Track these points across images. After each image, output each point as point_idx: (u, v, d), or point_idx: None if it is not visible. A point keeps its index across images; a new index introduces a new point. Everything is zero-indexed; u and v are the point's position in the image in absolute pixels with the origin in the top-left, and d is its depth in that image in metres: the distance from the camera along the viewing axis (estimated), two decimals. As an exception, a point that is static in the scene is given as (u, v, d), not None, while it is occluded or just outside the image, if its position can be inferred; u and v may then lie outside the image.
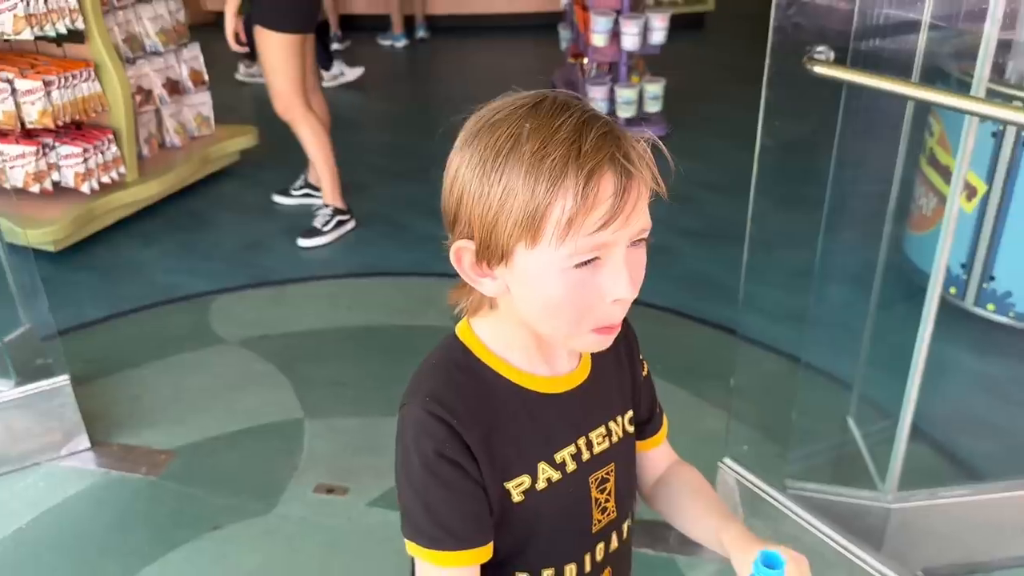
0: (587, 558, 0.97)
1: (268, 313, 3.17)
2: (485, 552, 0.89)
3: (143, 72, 3.88)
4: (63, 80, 3.41)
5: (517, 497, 0.90)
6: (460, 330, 0.94)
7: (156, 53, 3.94)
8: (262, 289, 3.32)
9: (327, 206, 3.65)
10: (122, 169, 3.70)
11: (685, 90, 5.02)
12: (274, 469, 2.41)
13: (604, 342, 0.86)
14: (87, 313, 3.16)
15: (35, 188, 3.51)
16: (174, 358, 2.91)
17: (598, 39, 4.33)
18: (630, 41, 4.31)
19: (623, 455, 0.99)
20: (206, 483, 2.36)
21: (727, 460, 2.10)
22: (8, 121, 3.43)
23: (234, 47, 3.53)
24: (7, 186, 3.52)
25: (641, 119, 4.59)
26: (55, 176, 3.56)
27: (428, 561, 0.88)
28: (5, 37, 3.34)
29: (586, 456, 0.95)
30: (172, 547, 2.14)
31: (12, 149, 3.48)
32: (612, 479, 0.97)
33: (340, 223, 3.65)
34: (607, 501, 0.97)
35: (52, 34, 3.37)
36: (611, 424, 0.98)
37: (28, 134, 3.52)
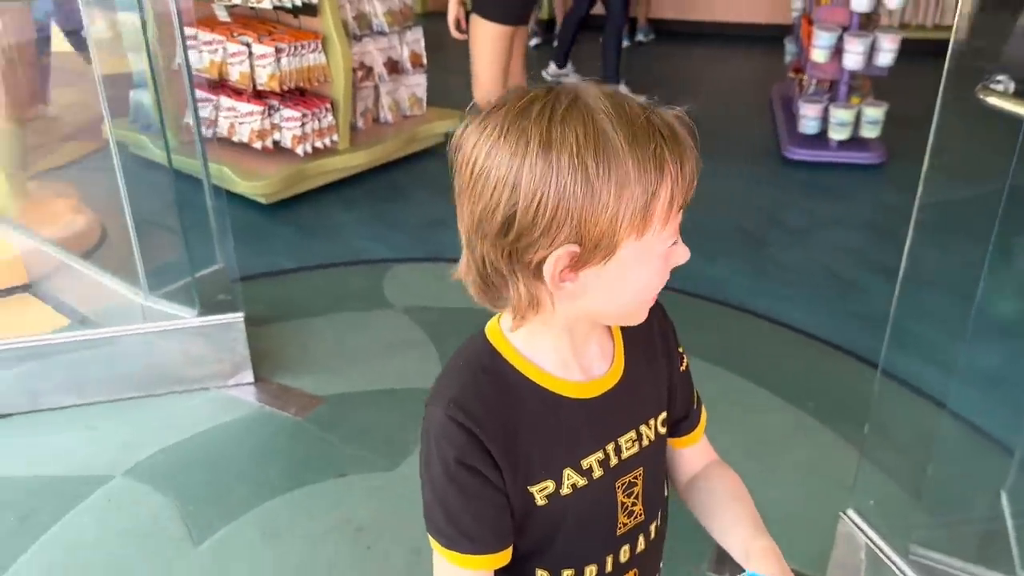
0: (609, 559, 0.97)
1: (434, 287, 3.30)
2: (501, 557, 0.91)
3: (367, 49, 4.15)
4: (293, 49, 3.73)
5: (541, 501, 0.90)
6: (490, 331, 0.93)
7: (381, 33, 4.20)
8: (435, 264, 3.47)
9: None
10: (335, 137, 3.99)
11: (912, 118, 4.65)
12: (406, 431, 2.52)
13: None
14: (280, 262, 3.44)
15: (257, 144, 3.87)
16: (344, 315, 3.11)
17: (818, 55, 4.11)
18: (853, 60, 4.06)
19: (652, 458, 0.98)
20: (343, 433, 2.51)
21: (850, 512, 1.95)
22: (243, 81, 3.80)
23: (455, 34, 3.70)
24: (235, 140, 3.91)
25: (855, 143, 4.32)
26: (276, 136, 3.90)
27: (444, 558, 0.90)
28: (250, 5, 3.70)
29: (614, 462, 0.93)
30: (299, 485, 2.30)
31: (243, 107, 3.86)
32: (640, 483, 0.96)
33: None
34: (634, 504, 0.96)
35: (289, 5, 3.69)
36: (642, 428, 0.96)
37: (259, 95, 3.88)
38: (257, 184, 3.76)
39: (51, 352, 2.65)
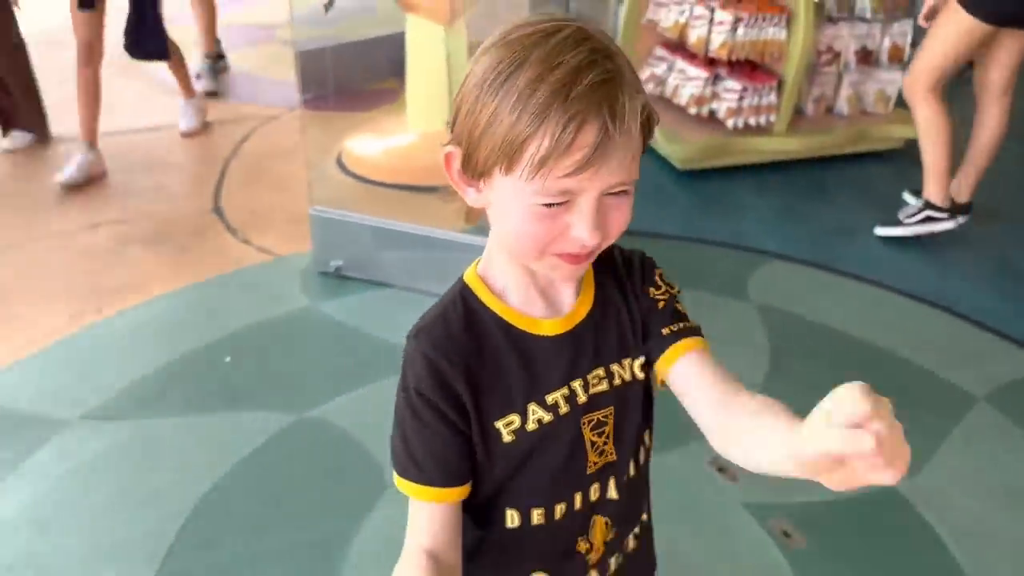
0: (578, 497, 0.96)
1: (806, 295, 3.05)
2: (448, 494, 0.91)
3: (840, 34, 3.87)
4: (753, 20, 3.64)
5: (507, 437, 0.91)
6: (468, 270, 0.95)
7: (863, 19, 3.87)
8: (819, 272, 3.20)
9: (921, 197, 3.32)
10: (772, 117, 3.83)
11: None
12: (693, 426, 2.44)
13: (571, 270, 0.87)
14: (664, 226, 3.45)
15: (693, 110, 3.88)
16: (694, 292, 2.99)
17: None
18: None
19: (625, 400, 0.96)
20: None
21: None
22: (698, 45, 3.82)
23: (922, 23, 3.32)
24: (675, 101, 3.97)
25: None
26: (713, 105, 3.87)
27: (399, 485, 0.93)
28: (723, -30, 3.67)
29: (581, 399, 0.93)
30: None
31: (692, 71, 3.88)
32: (611, 422, 0.95)
33: (928, 219, 3.27)
34: (605, 444, 0.95)
35: (762, -25, 3.58)
36: (614, 367, 0.95)
37: (710, 62, 3.87)
38: (677, 148, 3.79)
39: (437, 245, 3.04)
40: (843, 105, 4.03)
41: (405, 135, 3.96)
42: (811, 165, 3.94)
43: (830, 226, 3.53)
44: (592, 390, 0.94)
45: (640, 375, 0.97)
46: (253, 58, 5.19)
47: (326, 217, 3.10)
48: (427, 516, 0.90)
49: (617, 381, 0.95)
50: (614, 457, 0.96)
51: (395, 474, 0.92)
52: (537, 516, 0.95)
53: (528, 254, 0.86)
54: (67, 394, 2.53)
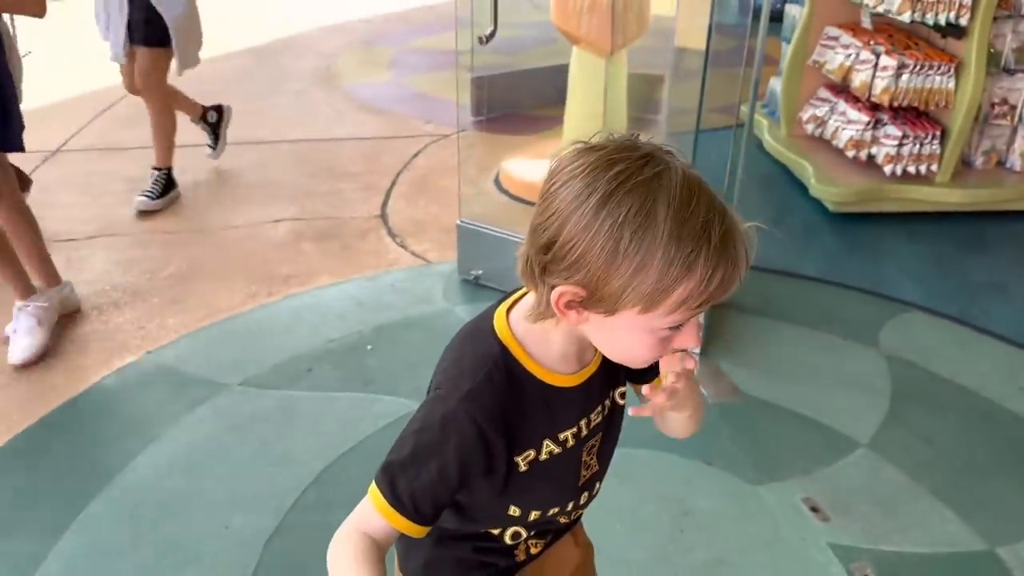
0: (571, 504, 1.13)
1: (941, 349, 2.96)
2: (417, 531, 0.98)
3: (1016, 86, 3.70)
4: (919, 67, 3.57)
5: (523, 467, 1.02)
6: (499, 325, 1.00)
7: (1043, 71, 3.70)
8: (960, 327, 3.09)
9: None
10: (934, 167, 3.72)
11: None
12: (804, 458, 2.46)
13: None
14: (804, 266, 3.44)
15: (851, 153, 3.84)
16: (823, 335, 3.03)
17: None
18: None
19: (611, 423, 1.10)
20: (737, 431, 2.56)
21: None
22: (861, 90, 3.78)
23: None
24: (834, 143, 3.94)
25: None
26: (872, 150, 3.80)
27: (377, 508, 0.97)
28: (890, 14, 3.62)
29: (584, 433, 1.06)
30: (666, 449, 2.46)
31: (852, 114, 3.84)
32: (598, 443, 1.10)
33: None
34: (591, 459, 1.10)
35: (930, 23, 3.51)
36: (606, 401, 1.08)
37: (874, 106, 3.81)
38: (830, 190, 3.75)
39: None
40: (1016, 160, 3.85)
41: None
42: (970, 218, 3.79)
43: (980, 281, 3.39)
44: (592, 423, 1.07)
45: (621, 402, 1.11)
46: (435, 81, 5.56)
47: (472, 229, 3.33)
48: (383, 526, 0.97)
49: (607, 411, 1.08)
50: (597, 468, 1.12)
51: (378, 491, 0.96)
52: (534, 515, 1.09)
53: (631, 363, 0.98)
54: (230, 363, 2.88)
